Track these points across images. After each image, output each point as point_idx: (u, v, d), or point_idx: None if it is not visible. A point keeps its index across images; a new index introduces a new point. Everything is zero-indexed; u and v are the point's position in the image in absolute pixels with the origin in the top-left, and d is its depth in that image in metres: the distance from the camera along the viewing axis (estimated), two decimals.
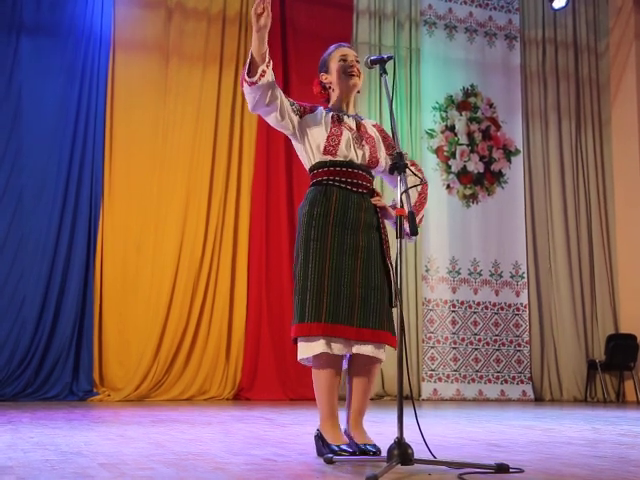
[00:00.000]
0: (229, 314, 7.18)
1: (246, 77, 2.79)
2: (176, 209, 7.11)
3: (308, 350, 2.77)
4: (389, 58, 2.82)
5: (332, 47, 3.06)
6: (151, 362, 6.79)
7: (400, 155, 2.61)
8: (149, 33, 7.26)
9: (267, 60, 2.81)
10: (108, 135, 6.98)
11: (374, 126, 3.09)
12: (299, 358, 2.82)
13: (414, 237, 2.84)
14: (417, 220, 2.92)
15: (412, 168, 3.01)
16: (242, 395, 7.07)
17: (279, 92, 2.89)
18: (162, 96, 7.22)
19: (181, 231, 7.09)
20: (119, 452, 2.84)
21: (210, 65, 7.41)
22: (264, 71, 2.79)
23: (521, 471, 2.41)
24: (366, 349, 2.78)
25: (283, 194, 7.50)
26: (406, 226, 2.53)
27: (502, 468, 2.37)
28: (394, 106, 8.67)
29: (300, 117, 2.95)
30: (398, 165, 2.56)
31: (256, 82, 2.78)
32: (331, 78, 3.00)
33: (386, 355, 2.91)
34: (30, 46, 6.81)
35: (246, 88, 2.82)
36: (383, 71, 2.81)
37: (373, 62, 2.87)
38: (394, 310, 2.80)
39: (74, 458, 2.64)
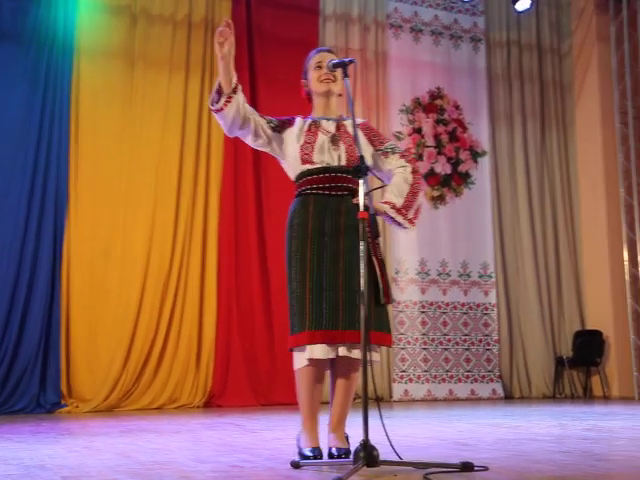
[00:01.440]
0: (199, 321, 7.13)
1: (210, 106, 2.91)
2: (144, 216, 7.04)
3: (299, 360, 2.82)
4: (350, 62, 2.84)
5: (312, 52, 3.10)
6: (120, 371, 6.70)
7: (362, 159, 2.63)
8: (114, 39, 7.19)
9: (233, 86, 2.90)
10: (73, 141, 6.90)
11: (359, 125, 3.05)
12: (294, 368, 2.87)
13: (409, 229, 3.01)
14: (413, 211, 2.97)
15: (402, 160, 3.01)
16: (213, 402, 7.02)
17: (252, 115, 2.97)
18: (128, 102, 7.16)
19: (149, 238, 7.03)
20: (83, 464, 2.80)
21: (176, 71, 7.35)
22: (230, 97, 2.88)
23: (486, 469, 2.43)
24: (354, 352, 2.80)
25: (252, 201, 7.47)
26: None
27: (467, 467, 2.40)
28: (362, 109, 8.57)
29: (279, 132, 3.00)
30: (360, 169, 2.57)
31: (221, 109, 2.90)
32: (310, 85, 3.05)
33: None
34: None
35: (215, 115, 2.94)
36: (345, 75, 2.83)
37: (335, 65, 2.90)
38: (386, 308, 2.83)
39: (37, 472, 2.60)
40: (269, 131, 2.99)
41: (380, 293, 2.82)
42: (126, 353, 6.75)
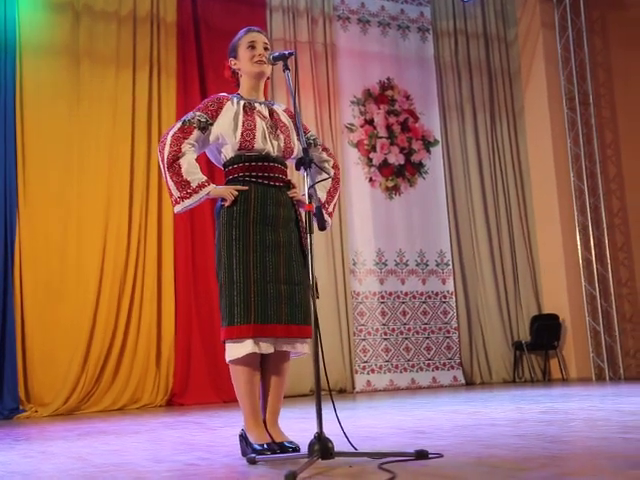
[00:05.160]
0: (157, 319, 7.07)
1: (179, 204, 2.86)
2: (97, 214, 6.95)
3: (237, 351, 2.75)
4: (290, 54, 2.83)
5: (242, 31, 3.00)
6: (79, 373, 6.62)
7: (305, 151, 2.62)
8: (57, 37, 7.06)
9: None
10: (20, 143, 6.76)
11: (285, 112, 3.05)
12: (228, 360, 2.80)
13: (328, 223, 2.90)
14: (333, 205, 3.02)
15: (324, 154, 3.05)
16: (175, 401, 6.97)
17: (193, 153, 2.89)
18: (75, 100, 7.04)
19: (103, 236, 6.94)
20: (37, 470, 2.76)
21: (123, 67, 7.26)
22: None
23: (440, 456, 2.45)
24: (296, 346, 2.81)
25: None
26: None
27: (422, 455, 2.41)
28: (312, 101, 8.51)
29: (211, 125, 2.89)
30: (304, 161, 2.56)
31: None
32: (240, 64, 2.97)
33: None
34: None
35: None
36: (285, 67, 2.81)
37: (275, 58, 2.87)
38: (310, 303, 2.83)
39: None
40: (202, 133, 2.88)
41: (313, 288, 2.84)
42: (84, 354, 6.67)
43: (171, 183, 2.82)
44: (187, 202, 2.83)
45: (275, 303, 2.75)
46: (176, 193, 2.82)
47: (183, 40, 7.54)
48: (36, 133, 6.85)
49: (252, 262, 2.76)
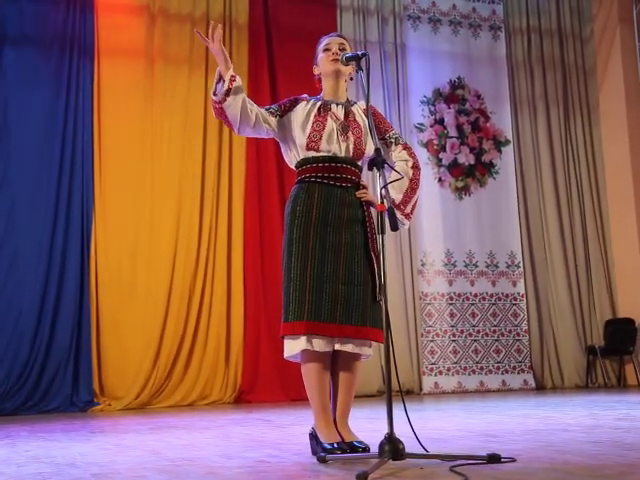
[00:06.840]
0: (227, 317, 7.17)
1: (213, 97, 2.86)
2: (169, 214, 7.10)
3: (291, 348, 2.80)
4: (363, 55, 2.83)
5: (322, 38, 3.07)
6: (150, 369, 6.77)
7: (378, 151, 2.61)
8: (133, 39, 7.24)
9: (230, 77, 2.84)
10: (97, 142, 6.96)
11: (364, 111, 3.01)
12: (285, 356, 2.87)
13: (405, 224, 2.91)
14: (411, 206, 2.95)
15: (404, 154, 3.00)
16: (243, 398, 7.06)
17: (254, 107, 2.90)
18: (149, 101, 7.20)
19: (175, 236, 7.08)
20: (113, 462, 2.83)
21: (196, 68, 7.39)
22: (229, 89, 2.83)
23: (513, 460, 2.41)
24: (347, 346, 2.80)
25: (276, 193, 7.48)
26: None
27: (494, 458, 2.37)
28: (382, 101, 8.48)
29: (280, 117, 2.95)
30: (375, 161, 2.56)
31: (222, 102, 2.84)
32: (319, 69, 3.03)
33: (374, 350, 2.92)
34: (14, 57, 6.79)
35: (218, 111, 2.87)
36: (358, 68, 2.81)
37: (348, 59, 2.88)
38: (381, 305, 2.81)
39: (67, 470, 2.64)
40: (270, 117, 2.92)
41: (377, 289, 2.81)
42: (156, 351, 6.82)
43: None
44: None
45: (330, 302, 2.76)
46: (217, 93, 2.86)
47: (254, 41, 7.62)
48: (112, 133, 7.04)
49: (310, 262, 2.79)
